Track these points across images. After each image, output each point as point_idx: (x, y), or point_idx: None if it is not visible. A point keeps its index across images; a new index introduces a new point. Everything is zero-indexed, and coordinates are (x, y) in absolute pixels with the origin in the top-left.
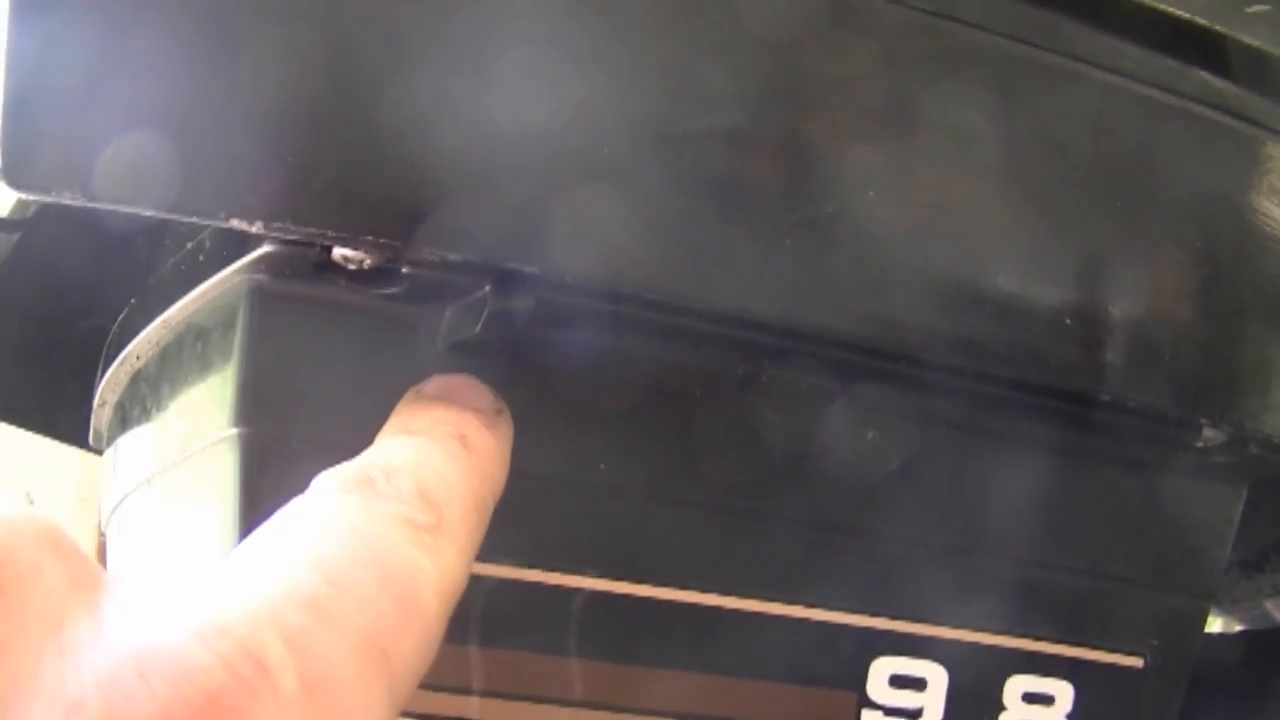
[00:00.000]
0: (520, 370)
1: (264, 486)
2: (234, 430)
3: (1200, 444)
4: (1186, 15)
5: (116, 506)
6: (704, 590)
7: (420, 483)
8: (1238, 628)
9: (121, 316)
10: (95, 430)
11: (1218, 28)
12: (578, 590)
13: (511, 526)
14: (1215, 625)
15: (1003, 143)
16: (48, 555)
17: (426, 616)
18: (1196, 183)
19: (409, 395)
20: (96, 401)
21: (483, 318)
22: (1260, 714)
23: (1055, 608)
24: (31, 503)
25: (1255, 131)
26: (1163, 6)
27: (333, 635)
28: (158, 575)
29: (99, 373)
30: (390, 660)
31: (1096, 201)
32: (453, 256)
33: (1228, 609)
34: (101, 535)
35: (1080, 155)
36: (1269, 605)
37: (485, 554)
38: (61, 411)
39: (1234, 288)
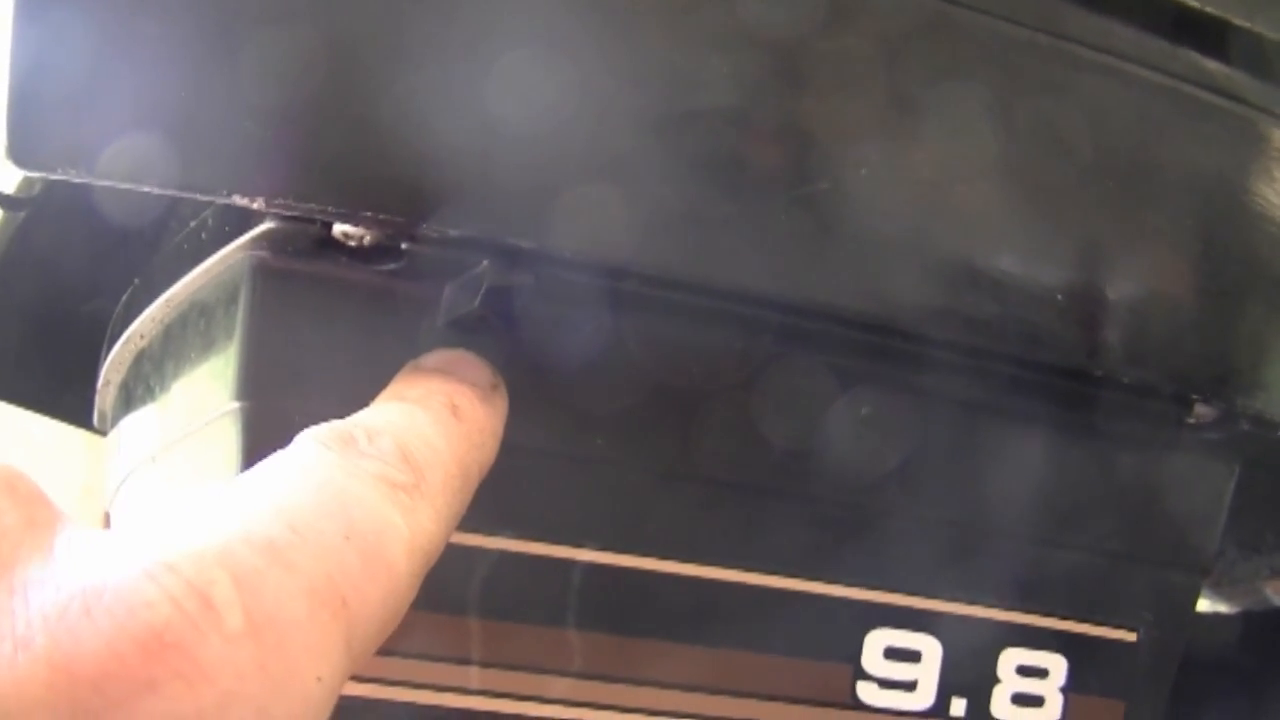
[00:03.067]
0: (519, 345)
1: (265, 457)
2: (236, 404)
3: (1192, 420)
4: None
5: (120, 485)
6: (701, 563)
7: (402, 444)
8: (1236, 609)
9: (125, 296)
10: (100, 411)
11: (1209, 9)
12: (576, 563)
13: (510, 500)
14: (1214, 606)
15: (996, 122)
16: (4, 499)
17: (394, 572)
18: (1189, 163)
19: (407, 367)
20: (101, 382)
21: (481, 293)
22: (1259, 695)
23: (1049, 582)
24: None
25: (1247, 112)
26: None
27: (287, 578)
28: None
29: (103, 353)
30: (349, 609)
31: (1090, 181)
32: (452, 233)
33: (1226, 591)
34: (107, 515)
35: (1073, 135)
36: (1268, 588)
37: (484, 526)
38: (66, 393)
39: (1226, 266)
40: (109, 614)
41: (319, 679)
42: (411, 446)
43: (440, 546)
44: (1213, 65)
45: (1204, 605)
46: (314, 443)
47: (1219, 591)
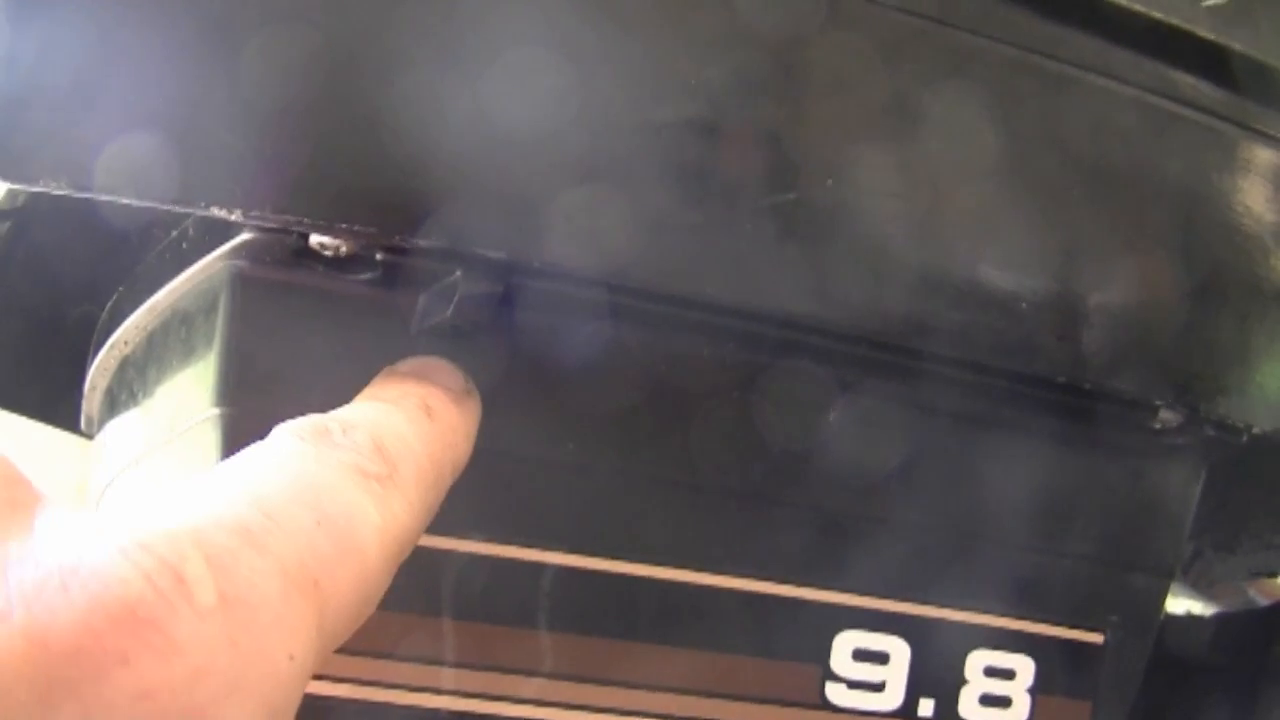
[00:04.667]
0: (492, 352)
1: None
2: (216, 410)
3: (1157, 426)
4: (1146, 10)
5: (105, 488)
6: (670, 566)
7: (376, 437)
8: (1215, 610)
9: (110, 304)
10: (86, 415)
11: (1173, 21)
12: (547, 565)
13: (482, 503)
14: (1192, 607)
15: (970, 139)
16: None
17: (365, 558)
18: (1155, 176)
19: (383, 372)
20: (87, 387)
21: (454, 302)
22: (1235, 694)
23: (1017, 584)
24: None
25: (1214, 124)
26: (1125, 4)
27: (258, 559)
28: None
29: (89, 359)
30: (321, 591)
31: (1058, 191)
32: (424, 243)
33: (1204, 591)
34: None
35: (1044, 150)
36: (1250, 589)
37: (457, 529)
38: (56, 398)
39: (1189, 275)
40: (84, 589)
41: (291, 657)
42: (385, 440)
43: (413, 538)
44: (1179, 77)
45: (1183, 607)
46: (289, 435)
47: (1198, 593)
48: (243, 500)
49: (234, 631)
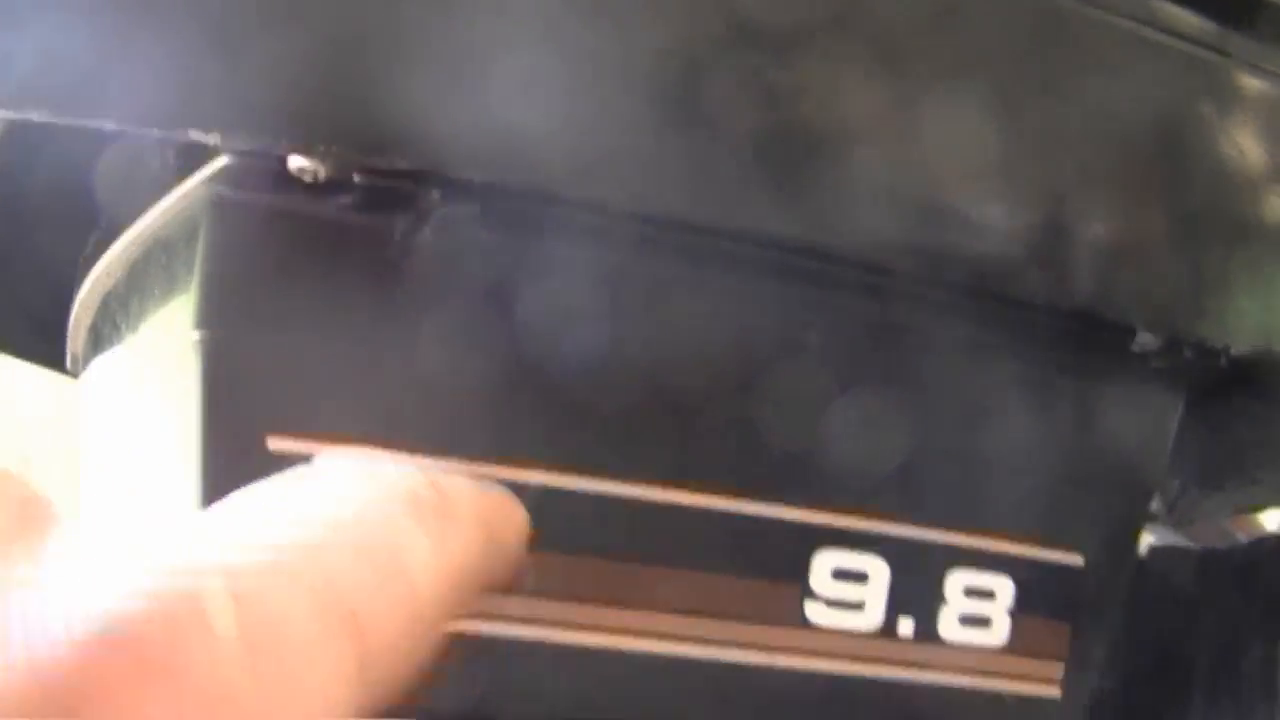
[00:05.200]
0: (474, 280)
1: (225, 387)
2: (197, 335)
3: (1135, 349)
4: None
5: (91, 425)
6: (646, 482)
7: (428, 474)
8: (1199, 546)
9: (92, 238)
10: (71, 354)
11: None
12: (525, 484)
13: (461, 422)
14: (1176, 541)
15: (953, 61)
16: None
17: (414, 592)
18: (1140, 102)
19: None
20: (71, 325)
21: (431, 223)
22: (1210, 626)
23: (995, 504)
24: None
25: (1202, 54)
26: None
27: (287, 587)
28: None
29: (74, 296)
30: (360, 624)
31: (1035, 112)
32: (400, 164)
33: (1188, 527)
34: None
35: (1026, 74)
36: (1231, 526)
37: (435, 450)
38: (44, 338)
39: (1168, 196)
40: (90, 620)
41: (325, 697)
42: (440, 477)
43: (473, 581)
44: (1164, 6)
45: (1166, 543)
46: (333, 458)
47: (1182, 530)
48: (270, 522)
49: (255, 663)
